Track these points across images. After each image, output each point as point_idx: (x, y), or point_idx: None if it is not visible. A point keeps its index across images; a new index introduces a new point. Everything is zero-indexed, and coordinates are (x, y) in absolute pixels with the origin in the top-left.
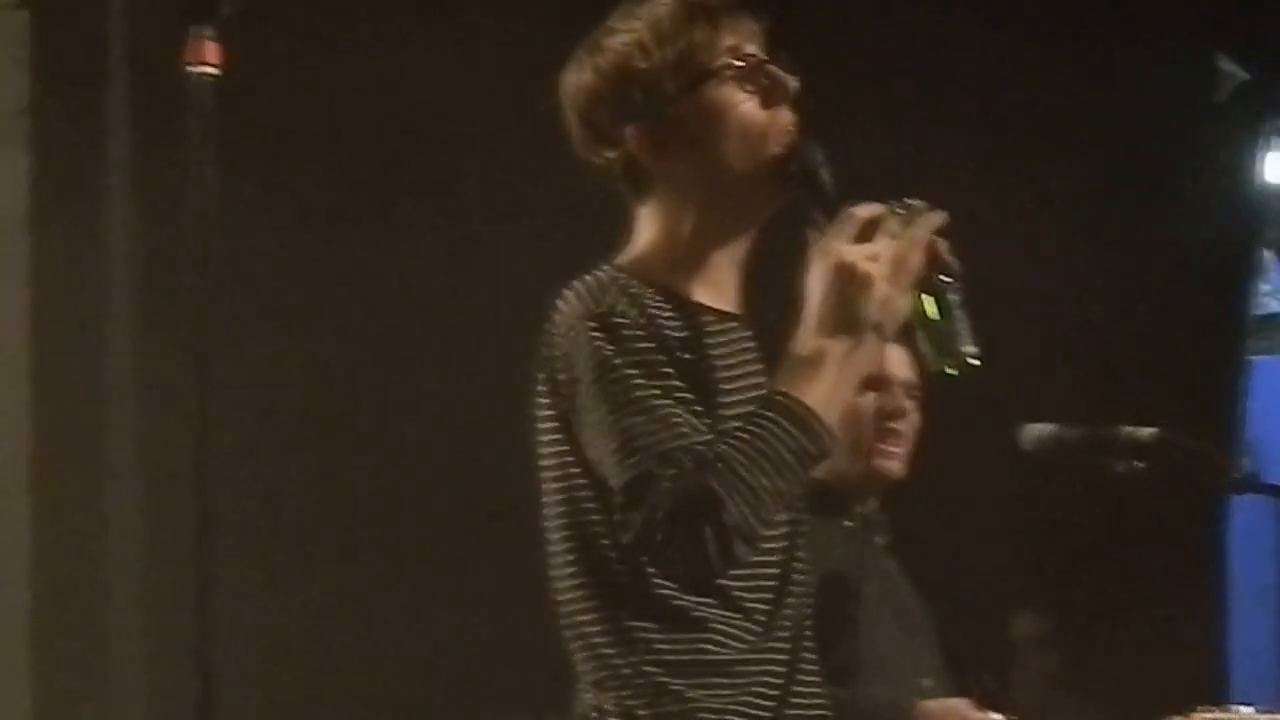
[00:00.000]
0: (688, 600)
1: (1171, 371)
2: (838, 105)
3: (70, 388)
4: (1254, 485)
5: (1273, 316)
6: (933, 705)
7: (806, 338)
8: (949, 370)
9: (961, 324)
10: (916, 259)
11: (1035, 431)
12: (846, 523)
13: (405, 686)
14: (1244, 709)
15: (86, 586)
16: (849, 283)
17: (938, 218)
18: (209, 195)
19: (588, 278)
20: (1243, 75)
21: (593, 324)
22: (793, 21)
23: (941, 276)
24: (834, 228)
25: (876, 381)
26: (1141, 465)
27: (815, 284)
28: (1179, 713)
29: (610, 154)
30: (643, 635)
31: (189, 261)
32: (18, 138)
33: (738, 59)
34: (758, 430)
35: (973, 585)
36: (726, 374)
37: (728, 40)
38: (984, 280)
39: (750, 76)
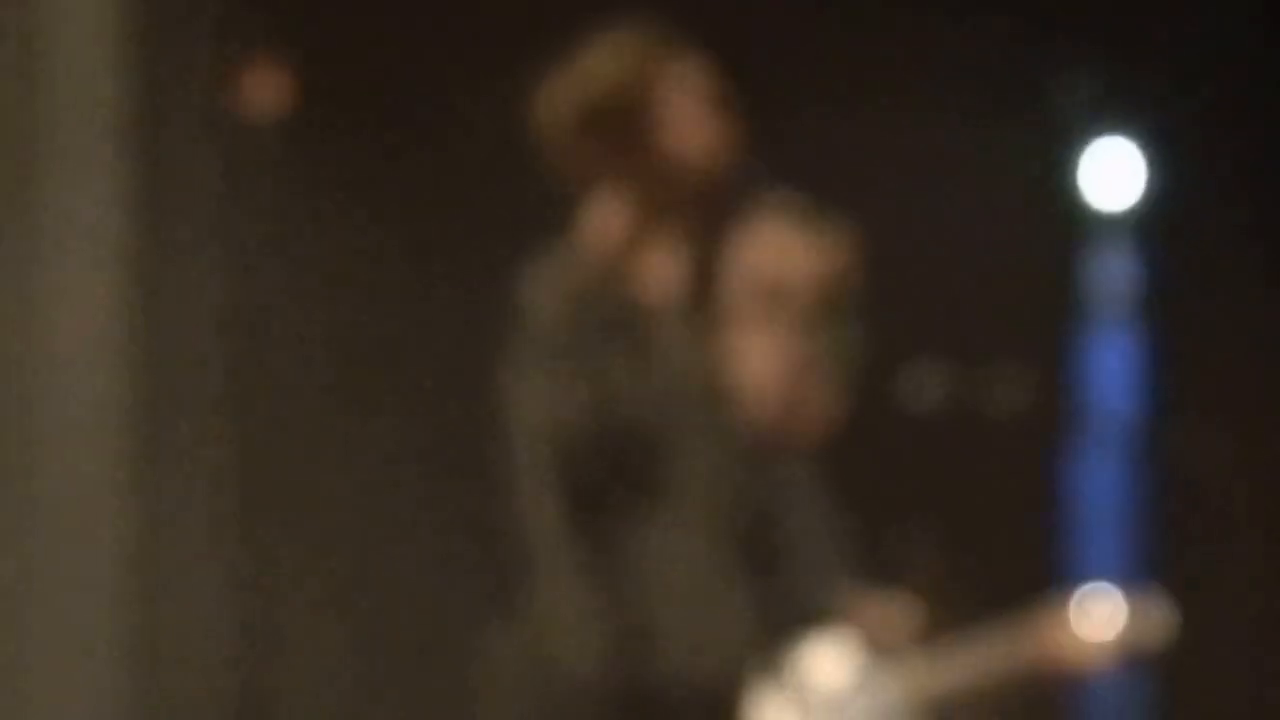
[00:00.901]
0: (622, 518)
1: (1030, 335)
2: (765, 120)
3: (162, 340)
4: (1089, 421)
5: (1111, 290)
6: (859, 601)
7: (732, 319)
8: (833, 358)
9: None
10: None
11: (920, 381)
12: (783, 453)
13: (402, 581)
14: (1111, 588)
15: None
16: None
17: (840, 233)
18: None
19: (548, 260)
20: (1085, 87)
21: (551, 299)
22: (731, 55)
23: (836, 283)
24: (756, 230)
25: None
26: (1004, 409)
27: (740, 275)
28: (1056, 600)
29: (568, 155)
30: (587, 547)
31: (253, 251)
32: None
33: (682, 86)
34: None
35: (871, 501)
36: (660, 341)
37: (675, 70)
38: (881, 265)
39: (687, 99)
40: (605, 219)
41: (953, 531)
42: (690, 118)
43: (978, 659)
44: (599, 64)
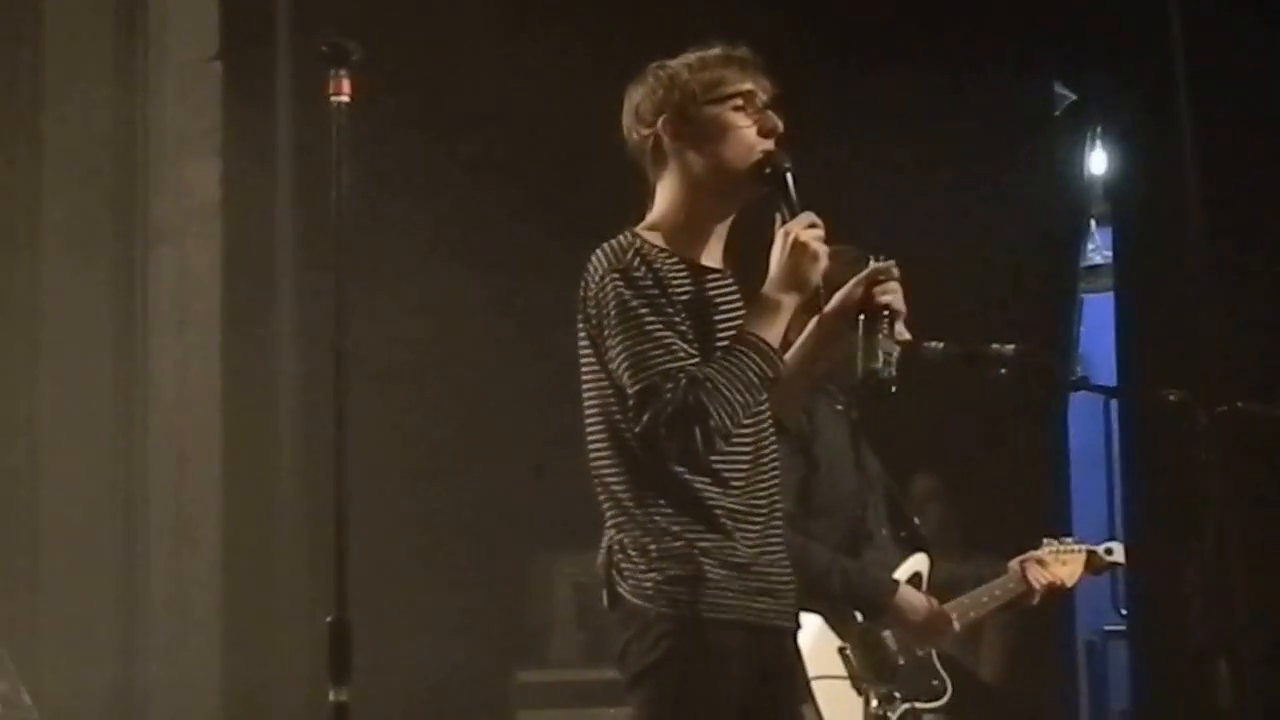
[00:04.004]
0: (683, 470)
1: (1028, 306)
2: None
3: (251, 311)
4: (1084, 385)
5: (1095, 266)
6: (907, 594)
7: (769, 292)
8: (863, 378)
9: (880, 348)
10: (859, 290)
11: (933, 347)
12: (838, 407)
13: (490, 522)
14: (1067, 540)
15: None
16: (802, 255)
17: (886, 267)
18: (344, 183)
19: (612, 241)
20: (1072, 96)
21: (616, 275)
22: (792, 84)
23: (877, 311)
24: (796, 218)
25: None
26: (1006, 372)
27: (777, 254)
28: (1032, 547)
29: (645, 131)
30: (652, 492)
31: (333, 229)
32: (213, 149)
33: (750, 98)
34: (734, 359)
35: (893, 453)
36: (717, 311)
37: (748, 84)
38: (904, 249)
39: (755, 112)
40: (664, 198)
41: (962, 481)
42: (753, 119)
43: (982, 599)
44: (689, 61)
